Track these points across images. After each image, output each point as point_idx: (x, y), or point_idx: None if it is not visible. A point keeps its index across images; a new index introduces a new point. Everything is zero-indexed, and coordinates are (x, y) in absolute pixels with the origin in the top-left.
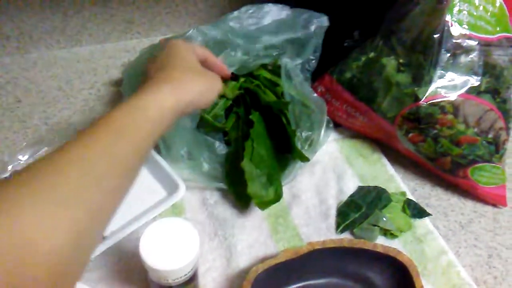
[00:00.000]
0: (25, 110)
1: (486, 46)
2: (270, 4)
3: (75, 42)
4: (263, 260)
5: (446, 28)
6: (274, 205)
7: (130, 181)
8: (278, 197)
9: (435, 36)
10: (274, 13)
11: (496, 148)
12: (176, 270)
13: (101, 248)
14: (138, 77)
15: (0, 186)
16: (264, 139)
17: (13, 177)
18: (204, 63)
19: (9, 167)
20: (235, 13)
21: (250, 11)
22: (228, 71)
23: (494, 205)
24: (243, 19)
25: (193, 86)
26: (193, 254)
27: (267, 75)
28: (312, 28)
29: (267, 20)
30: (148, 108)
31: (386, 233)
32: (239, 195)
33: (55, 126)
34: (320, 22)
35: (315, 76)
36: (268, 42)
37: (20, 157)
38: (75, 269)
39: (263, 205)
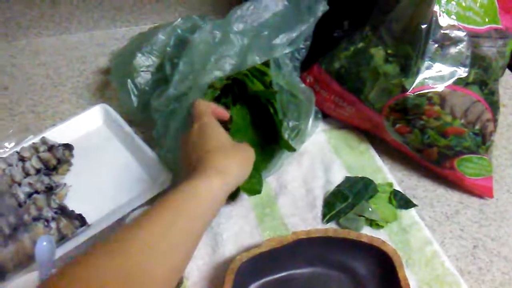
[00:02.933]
0: (12, 98)
1: (474, 37)
2: None
3: (63, 29)
4: (248, 249)
5: (434, 18)
6: (261, 195)
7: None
8: (257, 190)
9: (423, 26)
10: (272, 6)
11: (482, 140)
12: None
13: (85, 236)
14: (126, 66)
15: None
16: (245, 132)
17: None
18: (219, 116)
19: None
20: (238, 11)
21: (251, 7)
22: (227, 115)
23: (480, 197)
24: (247, 16)
25: (238, 169)
26: None
27: (254, 64)
28: (319, 13)
29: (267, 14)
30: (199, 193)
31: (372, 223)
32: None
33: (42, 114)
34: (323, 6)
35: (305, 66)
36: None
37: (6, 144)
38: None
39: (249, 192)
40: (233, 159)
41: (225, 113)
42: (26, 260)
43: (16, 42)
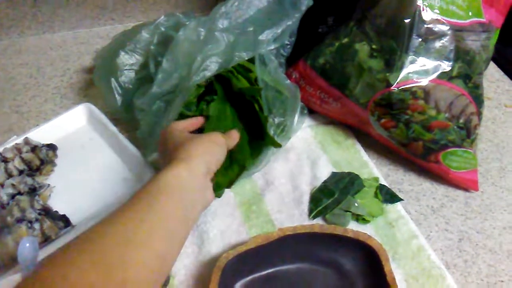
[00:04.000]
0: None
1: (458, 31)
2: None
3: (46, 28)
4: (234, 246)
5: (417, 12)
6: (247, 192)
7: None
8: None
9: (406, 21)
10: (256, 2)
11: (467, 133)
12: None
13: (70, 237)
14: (110, 64)
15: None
16: (223, 127)
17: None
18: (190, 128)
19: None
20: (223, 8)
21: (236, 3)
22: (201, 118)
23: (465, 190)
24: (231, 13)
25: (197, 150)
26: None
27: (240, 61)
28: (303, 7)
29: (252, 10)
30: (166, 183)
31: (358, 218)
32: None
33: (25, 114)
34: (308, 1)
35: (290, 62)
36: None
37: None
38: None
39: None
40: (194, 146)
41: (196, 121)
42: (9, 262)
43: None
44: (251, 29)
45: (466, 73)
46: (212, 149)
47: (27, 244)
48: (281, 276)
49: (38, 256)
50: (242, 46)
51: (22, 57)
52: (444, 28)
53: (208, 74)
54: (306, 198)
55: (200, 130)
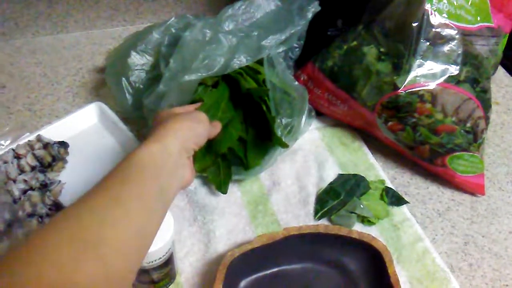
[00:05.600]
0: (9, 96)
1: (466, 35)
2: None
3: (60, 28)
4: (240, 245)
5: (425, 17)
6: (254, 192)
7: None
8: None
9: (414, 25)
10: (264, 6)
11: (474, 137)
12: (150, 253)
13: None
14: (121, 64)
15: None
16: (215, 111)
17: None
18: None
19: None
20: (230, 10)
21: (243, 7)
22: (195, 105)
23: (472, 194)
24: (238, 15)
25: (175, 126)
26: (167, 237)
27: (249, 63)
28: (309, 15)
29: (259, 14)
30: (139, 159)
31: (364, 220)
32: (217, 182)
33: (38, 112)
34: (315, 7)
35: (299, 64)
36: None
37: (2, 142)
38: None
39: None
40: (173, 122)
41: (191, 107)
42: None
43: (13, 41)
44: (255, 33)
45: (474, 78)
46: (191, 125)
47: None
48: (285, 276)
49: None
50: (244, 50)
51: (36, 56)
52: (452, 32)
53: (205, 73)
54: (312, 199)
55: None
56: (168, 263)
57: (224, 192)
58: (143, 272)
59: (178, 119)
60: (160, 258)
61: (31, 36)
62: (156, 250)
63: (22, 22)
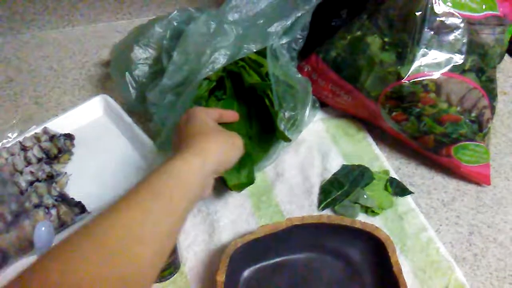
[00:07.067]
0: (16, 89)
1: (471, 24)
2: None
3: (66, 22)
4: (243, 235)
5: (429, 6)
6: (258, 183)
7: (170, 239)
8: (250, 180)
9: (418, 14)
10: None
11: (479, 127)
12: None
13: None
14: (124, 58)
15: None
16: (232, 125)
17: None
18: (220, 120)
19: None
20: (233, 1)
21: None
22: (234, 114)
23: (477, 184)
24: (242, 6)
25: (216, 148)
26: None
27: (252, 56)
28: (314, 1)
29: (263, 4)
30: (177, 173)
31: (368, 210)
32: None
33: (45, 105)
34: None
35: (303, 56)
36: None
37: (9, 134)
38: None
39: (237, 187)
40: (214, 142)
41: (227, 113)
42: (27, 246)
43: (20, 35)
44: (261, 21)
45: (480, 67)
46: (229, 150)
47: (43, 228)
48: (288, 265)
49: (53, 240)
50: (251, 38)
51: (42, 50)
52: (457, 21)
53: (216, 66)
54: (316, 190)
55: None
56: (172, 253)
57: (252, 182)
58: None
59: (219, 140)
60: None
61: (37, 30)
62: None
63: (28, 16)
